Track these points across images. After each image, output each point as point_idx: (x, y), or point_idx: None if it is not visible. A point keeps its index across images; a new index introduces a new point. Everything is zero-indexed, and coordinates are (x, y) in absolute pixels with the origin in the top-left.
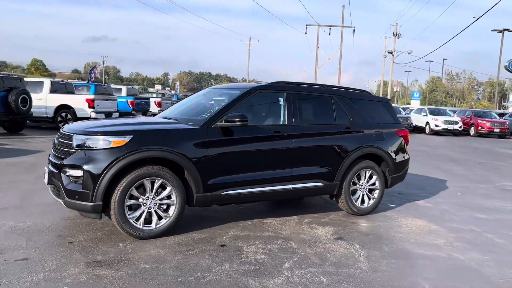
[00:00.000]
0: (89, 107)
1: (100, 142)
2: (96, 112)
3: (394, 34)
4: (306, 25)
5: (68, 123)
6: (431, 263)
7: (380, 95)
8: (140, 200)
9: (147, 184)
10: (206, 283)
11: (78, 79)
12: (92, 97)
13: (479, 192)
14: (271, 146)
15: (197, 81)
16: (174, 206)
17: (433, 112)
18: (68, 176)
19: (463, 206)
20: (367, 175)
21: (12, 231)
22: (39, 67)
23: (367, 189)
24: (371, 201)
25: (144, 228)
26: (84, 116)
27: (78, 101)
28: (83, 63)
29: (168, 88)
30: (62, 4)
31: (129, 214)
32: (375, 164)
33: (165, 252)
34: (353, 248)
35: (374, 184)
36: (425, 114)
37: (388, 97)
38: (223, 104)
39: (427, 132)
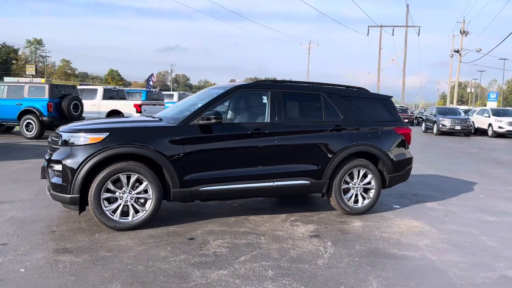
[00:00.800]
0: (137, 112)
1: (81, 139)
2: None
3: (461, 32)
4: (368, 26)
5: None
6: (396, 262)
7: (448, 97)
8: (117, 193)
9: (123, 179)
10: (151, 271)
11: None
12: (139, 102)
13: (505, 195)
14: (251, 143)
15: None
16: (150, 201)
17: (497, 113)
18: (53, 170)
19: (476, 209)
20: (361, 174)
21: (8, 220)
22: (115, 77)
23: (362, 188)
24: (366, 201)
25: (120, 220)
26: None
27: (127, 107)
28: (156, 72)
29: None
30: (137, 17)
31: (106, 207)
32: (370, 163)
33: (133, 242)
34: (323, 245)
35: (369, 183)
36: (487, 115)
37: (455, 99)
38: (203, 102)
39: (489, 135)
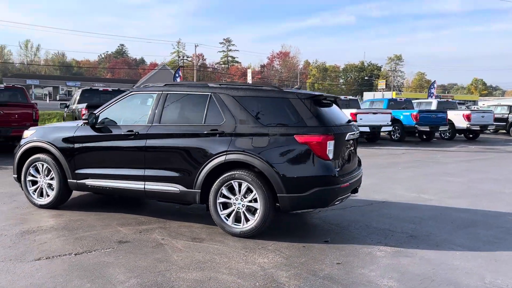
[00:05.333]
0: (351, 120)
1: (25, 134)
2: (360, 125)
3: None
4: None
5: None
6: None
7: None
8: (37, 178)
9: (40, 167)
10: None
11: None
12: (355, 111)
13: None
14: (123, 144)
15: None
16: (55, 187)
17: None
18: None
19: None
20: (243, 188)
21: (10, 193)
22: (478, 86)
23: (246, 206)
24: (250, 222)
25: (38, 199)
26: None
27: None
28: None
29: None
30: None
31: (30, 187)
32: (251, 176)
33: (37, 218)
34: (85, 251)
35: (256, 201)
36: None
37: None
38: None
39: None
